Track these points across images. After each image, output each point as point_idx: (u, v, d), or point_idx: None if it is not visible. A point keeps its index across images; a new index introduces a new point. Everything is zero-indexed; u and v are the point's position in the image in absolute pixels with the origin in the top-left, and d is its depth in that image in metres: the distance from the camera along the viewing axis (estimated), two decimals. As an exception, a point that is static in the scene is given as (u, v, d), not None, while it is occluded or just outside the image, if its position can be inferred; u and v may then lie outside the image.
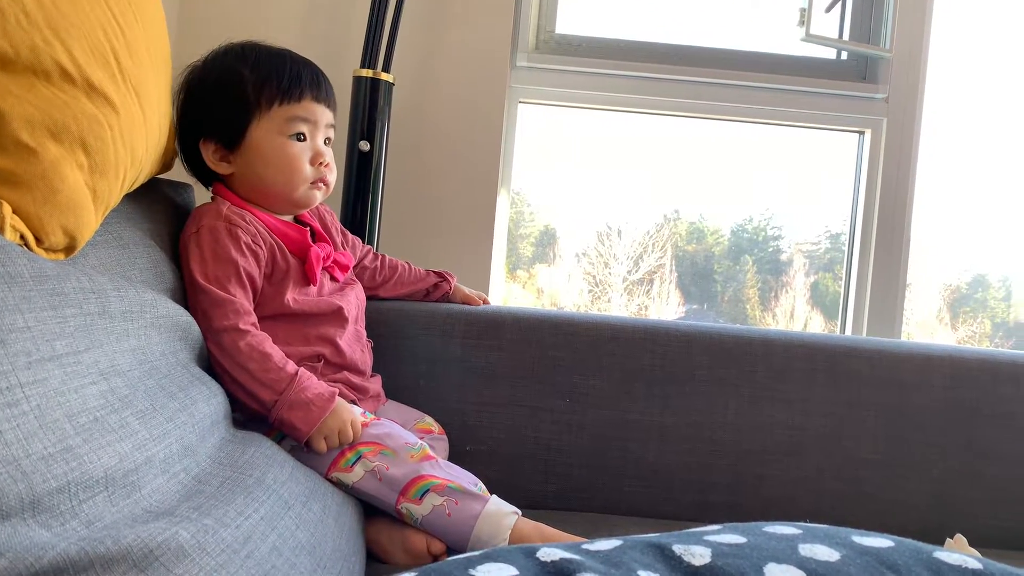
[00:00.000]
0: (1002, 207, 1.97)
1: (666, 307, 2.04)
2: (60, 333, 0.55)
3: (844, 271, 1.68)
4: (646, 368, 1.14)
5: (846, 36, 1.61)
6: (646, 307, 2.05)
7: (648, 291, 2.03)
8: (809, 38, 1.53)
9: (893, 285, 1.60)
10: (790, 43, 1.62)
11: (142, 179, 0.80)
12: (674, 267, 2.01)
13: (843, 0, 1.60)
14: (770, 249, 2.01)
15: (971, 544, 0.95)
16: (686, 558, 0.51)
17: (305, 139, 0.95)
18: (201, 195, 1.08)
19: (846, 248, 1.68)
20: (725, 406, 1.14)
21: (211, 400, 0.75)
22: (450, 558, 0.50)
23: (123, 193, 0.74)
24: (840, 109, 1.60)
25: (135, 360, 0.65)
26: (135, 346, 0.66)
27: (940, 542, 1.02)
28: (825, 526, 0.59)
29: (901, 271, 1.60)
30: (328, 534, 0.72)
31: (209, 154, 0.94)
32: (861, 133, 1.64)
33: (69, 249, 0.65)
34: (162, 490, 0.58)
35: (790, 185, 1.88)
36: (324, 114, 0.97)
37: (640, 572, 0.49)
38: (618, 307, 2.05)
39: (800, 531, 0.56)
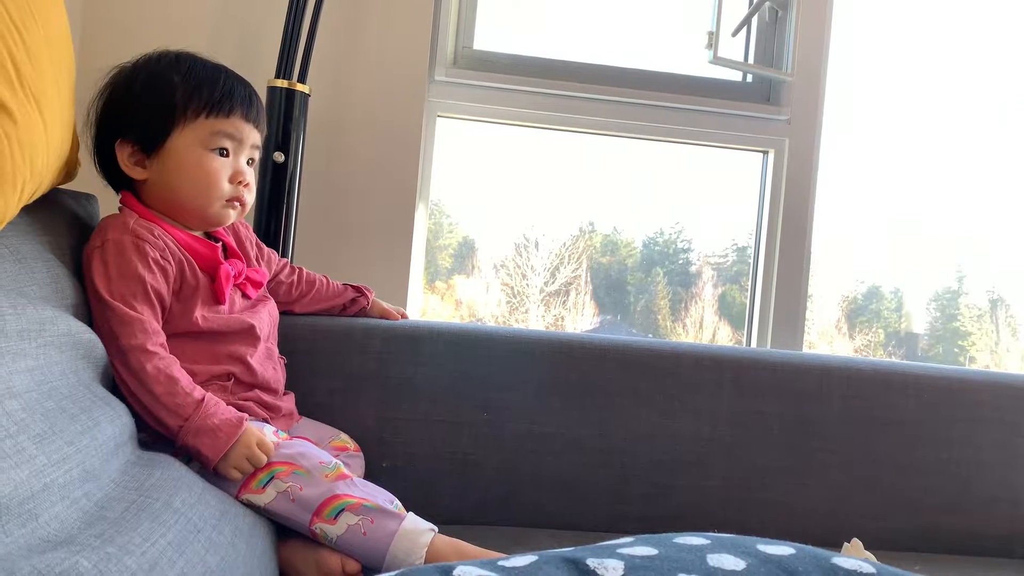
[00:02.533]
0: (895, 222, 2.10)
1: (581, 318, 2.08)
2: (-51, 355, 0.52)
3: (750, 283, 1.75)
4: (561, 381, 1.16)
5: (751, 59, 1.69)
6: (562, 318, 2.08)
7: (564, 302, 2.06)
8: (717, 61, 1.60)
9: (795, 296, 1.68)
10: (699, 65, 1.68)
11: (42, 190, 0.77)
12: (589, 279, 2.05)
13: (748, 25, 1.68)
14: (680, 261, 2.08)
15: (866, 547, 1.00)
16: (600, 571, 0.52)
17: (228, 155, 0.93)
18: (107, 207, 1.04)
19: (751, 261, 1.75)
20: (638, 417, 1.17)
21: (115, 421, 0.72)
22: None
23: (20, 206, 0.71)
24: (746, 129, 1.67)
25: (32, 381, 0.62)
26: (32, 366, 0.63)
27: (839, 546, 1.08)
28: (732, 536, 0.61)
29: (803, 283, 1.68)
30: (239, 558, 0.71)
31: (125, 156, 0.91)
32: (765, 153, 1.72)
33: (-40, 266, 0.62)
34: (61, 517, 0.56)
35: (699, 200, 1.96)
36: (251, 134, 0.95)
37: (555, 587, 0.50)
38: (535, 318, 2.07)
39: (708, 541, 0.59)
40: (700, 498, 1.18)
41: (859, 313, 2.33)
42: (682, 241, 2.08)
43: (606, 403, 1.17)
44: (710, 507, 1.18)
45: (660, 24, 1.83)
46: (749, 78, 1.71)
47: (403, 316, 1.23)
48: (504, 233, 2.02)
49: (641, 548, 0.58)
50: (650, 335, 2.05)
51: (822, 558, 0.52)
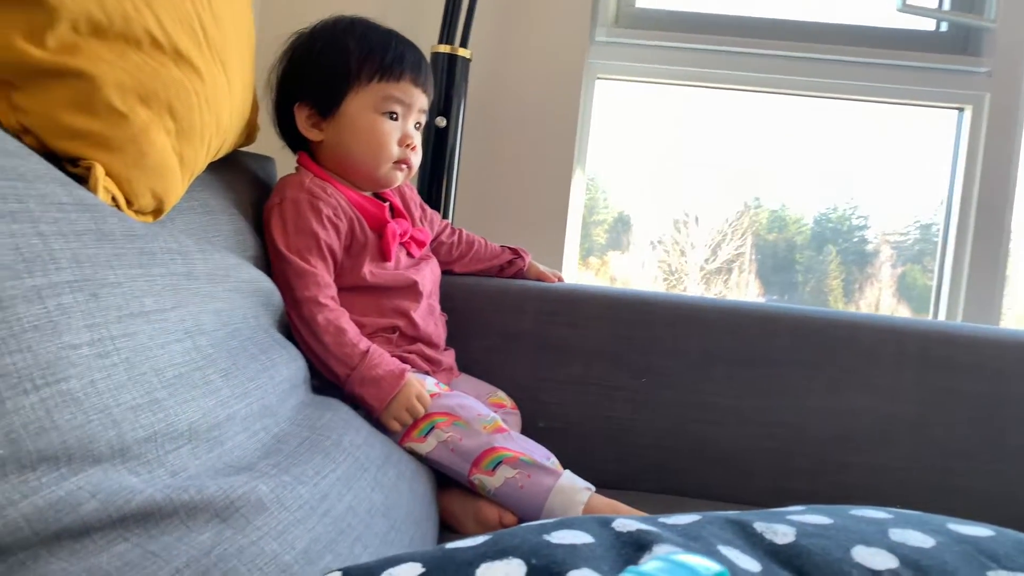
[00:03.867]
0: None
1: (744, 297, 1.99)
2: (148, 291, 0.57)
3: (937, 259, 1.59)
4: (726, 350, 1.11)
5: (946, 6, 1.52)
6: (723, 296, 1.99)
7: (726, 280, 1.98)
8: (906, 8, 1.45)
9: (991, 274, 1.51)
10: (885, 14, 1.54)
11: (226, 149, 0.82)
12: (754, 256, 1.95)
13: (944, -32, 1.51)
14: (855, 239, 1.93)
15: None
16: (768, 536, 0.49)
17: (397, 119, 0.96)
18: (283, 169, 1.10)
19: (940, 234, 1.59)
20: (808, 390, 1.10)
21: (291, 364, 0.76)
22: (525, 524, 0.49)
23: (208, 160, 0.76)
24: (939, 84, 1.51)
25: (219, 321, 0.66)
26: (219, 308, 0.67)
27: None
28: (918, 512, 0.56)
29: (1001, 259, 1.51)
30: (402, 499, 0.73)
31: (303, 118, 0.96)
32: (960, 110, 1.55)
33: (157, 212, 0.67)
34: (243, 446, 0.60)
35: (878, 168, 1.79)
36: (419, 98, 0.98)
37: (720, 547, 0.47)
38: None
39: (891, 515, 0.54)
40: (876, 479, 1.09)
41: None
42: (857, 218, 1.92)
43: (773, 373, 1.10)
44: (887, 489, 1.09)
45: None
46: (943, 27, 1.54)
47: (559, 279, 1.23)
48: (662, 207, 1.96)
49: (814, 516, 0.54)
50: (822, 308, 1.92)
51: (1029, 544, 0.46)
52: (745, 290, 1.98)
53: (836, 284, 1.92)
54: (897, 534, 0.50)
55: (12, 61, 0.56)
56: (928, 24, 1.55)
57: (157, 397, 0.52)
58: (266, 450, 0.62)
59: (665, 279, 2.01)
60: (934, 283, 1.61)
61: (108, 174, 0.61)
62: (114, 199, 0.61)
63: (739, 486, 1.10)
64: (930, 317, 1.60)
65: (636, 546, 0.46)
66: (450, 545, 0.43)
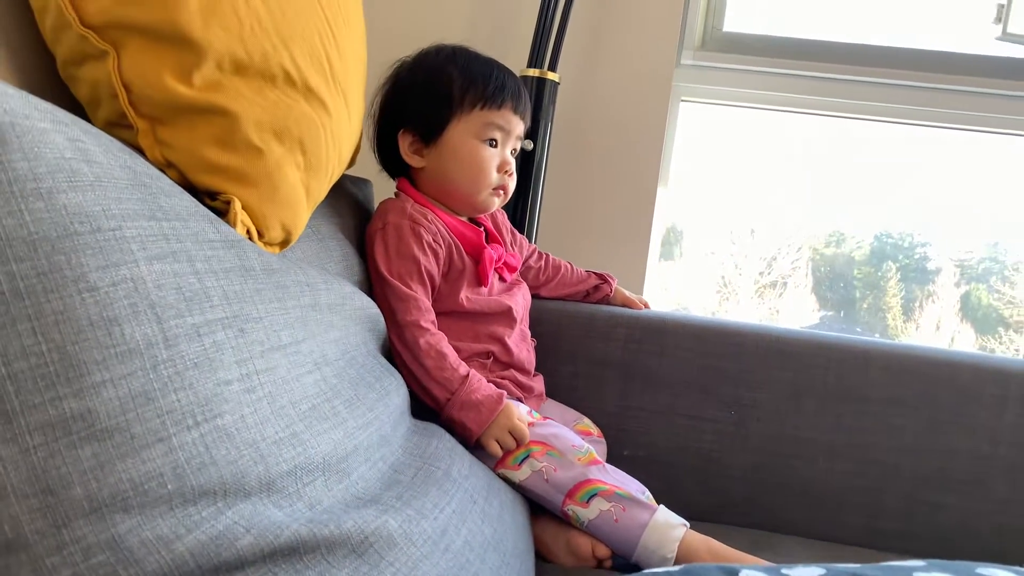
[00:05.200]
0: None
1: (799, 312, 1.94)
2: (284, 324, 0.59)
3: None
4: (818, 384, 1.09)
5: (1047, 33, 1.48)
6: (777, 311, 1.96)
7: (781, 294, 1.94)
8: (1006, 37, 1.41)
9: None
10: (982, 41, 1.50)
11: (339, 175, 0.84)
12: (810, 271, 1.91)
13: (1046, -7, 1.47)
14: (916, 256, 1.87)
15: None
16: (898, 594, 0.48)
17: (496, 146, 0.98)
18: (380, 190, 1.12)
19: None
20: (902, 428, 1.07)
21: (400, 390, 0.77)
22: (650, 571, 0.49)
23: (328, 189, 0.78)
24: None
25: (339, 351, 0.68)
26: (338, 337, 0.69)
27: None
28: (1043, 571, 0.54)
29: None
30: (508, 531, 0.74)
31: (406, 145, 0.98)
32: (1058, 139, 1.50)
33: (284, 243, 0.69)
34: (366, 477, 0.61)
35: (957, 196, 1.74)
36: (518, 125, 0.99)
37: (852, 604, 0.47)
38: (747, 310, 1.96)
39: (1015, 575, 0.52)
40: (971, 521, 1.06)
41: None
42: (919, 235, 1.86)
43: (866, 410, 1.08)
44: (983, 532, 1.06)
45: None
46: (1044, 53, 1.49)
47: (645, 305, 1.22)
48: (718, 222, 1.92)
49: (940, 575, 0.53)
50: (877, 335, 1.87)
51: None
52: (800, 305, 1.93)
53: (895, 302, 1.87)
54: (1030, 599, 0.49)
55: (161, 99, 0.59)
56: (1027, 51, 1.50)
57: (296, 431, 0.54)
58: (386, 481, 0.63)
59: (718, 291, 1.98)
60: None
61: (244, 207, 0.63)
62: (248, 232, 0.63)
63: (828, 523, 1.08)
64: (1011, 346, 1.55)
65: (770, 601, 0.46)
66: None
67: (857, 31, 1.57)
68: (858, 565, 0.54)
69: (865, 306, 1.92)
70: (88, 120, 0.62)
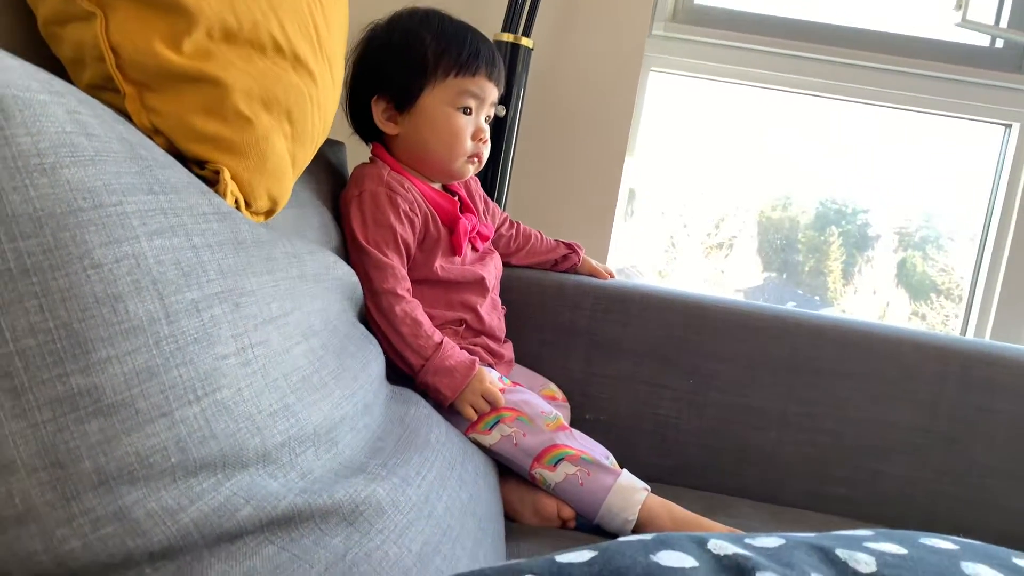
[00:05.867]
0: None
1: (744, 274, 1.99)
2: (274, 296, 0.59)
3: (972, 273, 1.62)
4: (772, 356, 1.14)
5: (1003, 23, 1.53)
6: (723, 271, 2.00)
7: (727, 256, 1.99)
8: (965, 24, 1.46)
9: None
10: (941, 27, 1.54)
11: (321, 142, 0.84)
12: (756, 233, 1.96)
13: (1005, -18, 1.51)
14: (858, 222, 1.94)
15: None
16: (851, 564, 0.52)
17: (471, 113, 0.98)
18: (352, 153, 1.12)
19: (979, 242, 1.61)
20: (849, 400, 1.14)
21: (378, 358, 0.79)
22: (623, 539, 0.53)
23: (311, 158, 0.78)
24: (988, 100, 1.52)
25: (322, 320, 0.69)
26: (321, 307, 0.70)
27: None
28: (982, 544, 0.59)
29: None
30: (482, 495, 0.77)
31: (379, 112, 0.98)
32: (1008, 126, 1.56)
33: (270, 212, 0.69)
34: (352, 446, 0.63)
35: (912, 176, 1.80)
36: (492, 92, 0.99)
37: (812, 575, 0.50)
38: (694, 270, 2.00)
39: (958, 547, 0.57)
40: (909, 489, 1.13)
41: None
42: (861, 202, 1.92)
43: (817, 382, 1.14)
44: (919, 499, 1.13)
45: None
46: (998, 43, 1.54)
47: (611, 275, 1.25)
48: (669, 183, 1.94)
49: (888, 545, 0.57)
50: (817, 297, 1.94)
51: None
52: (745, 266, 1.98)
53: (836, 266, 1.94)
54: (969, 567, 0.53)
55: (151, 65, 0.58)
56: (984, 40, 1.55)
57: (288, 403, 0.55)
58: (370, 449, 0.65)
59: (666, 251, 2.01)
60: (967, 291, 1.63)
61: (232, 177, 0.63)
62: (236, 202, 0.63)
63: (778, 488, 1.14)
64: (961, 325, 1.63)
65: (738, 571, 0.50)
66: (561, 559, 0.46)
67: (822, 10, 1.60)
68: (813, 534, 0.58)
69: (807, 269, 1.98)
70: (68, 79, 0.61)
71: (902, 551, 0.57)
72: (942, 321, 1.87)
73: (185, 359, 0.47)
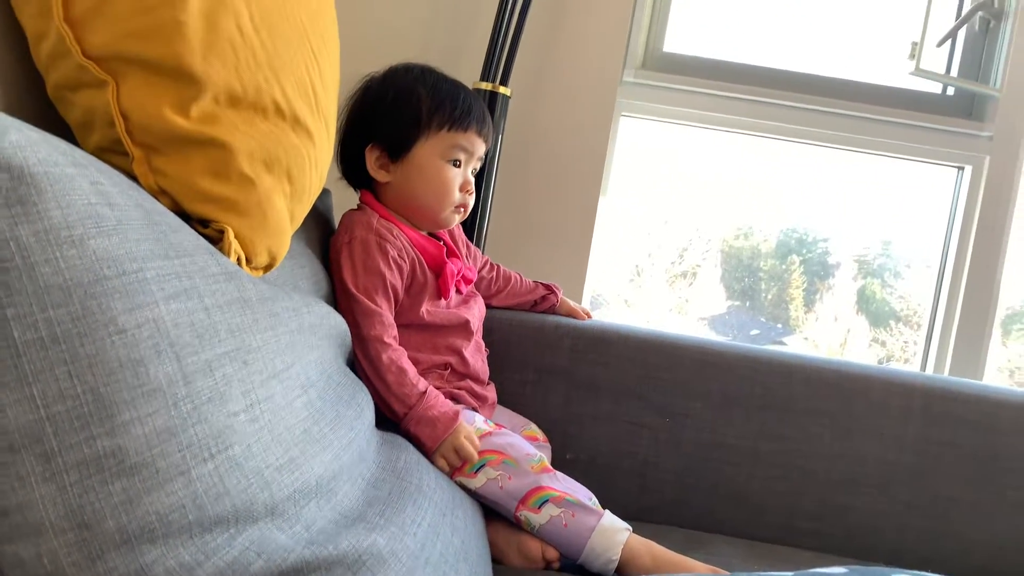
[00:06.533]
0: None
1: (708, 302, 2.04)
2: (277, 351, 0.62)
3: (930, 310, 1.69)
4: (745, 394, 1.18)
5: (954, 72, 1.61)
6: (687, 300, 2.04)
7: (691, 284, 2.03)
8: (918, 72, 1.54)
9: (981, 321, 1.60)
10: (897, 75, 1.62)
11: (316, 196, 0.87)
12: (719, 262, 2.01)
13: (955, 36, 1.60)
14: (818, 251, 2.00)
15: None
16: (831, 603, 0.55)
17: (460, 166, 1.02)
18: (338, 199, 1.15)
19: (936, 279, 1.68)
20: (819, 436, 1.18)
21: (370, 405, 0.81)
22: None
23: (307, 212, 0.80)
24: (942, 144, 1.60)
25: (318, 371, 0.71)
26: (317, 358, 0.72)
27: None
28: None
29: (990, 314, 1.60)
30: (472, 540, 0.79)
31: (372, 160, 1.01)
32: (960, 169, 1.64)
33: (268, 267, 0.71)
34: (350, 495, 0.65)
35: (873, 215, 1.88)
36: (481, 147, 1.03)
37: (794, 614, 0.54)
38: (659, 299, 2.04)
39: (927, 582, 0.60)
40: (877, 522, 1.17)
41: (1015, 320, 2.14)
42: (822, 231, 1.99)
43: (788, 419, 1.18)
44: (887, 532, 1.17)
45: (859, 32, 1.77)
46: (950, 91, 1.63)
47: (588, 316, 1.29)
48: (634, 212, 1.99)
49: (862, 582, 0.60)
50: (780, 325, 2.00)
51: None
52: (709, 295, 2.03)
53: (797, 293, 2.00)
54: (937, 603, 0.57)
55: (159, 130, 0.61)
56: (937, 88, 1.64)
57: (292, 456, 0.57)
58: (367, 497, 0.67)
59: (631, 280, 2.05)
60: (926, 327, 1.70)
61: (235, 235, 0.65)
62: (238, 259, 0.66)
63: (751, 523, 1.18)
64: (921, 361, 1.70)
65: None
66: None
67: (785, 59, 1.68)
68: (791, 574, 0.61)
69: (770, 297, 2.03)
70: (75, 141, 0.63)
71: (876, 588, 0.60)
72: (901, 347, 1.94)
73: (201, 418, 0.49)
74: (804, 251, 1.99)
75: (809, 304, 1.99)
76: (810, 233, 1.99)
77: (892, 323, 1.95)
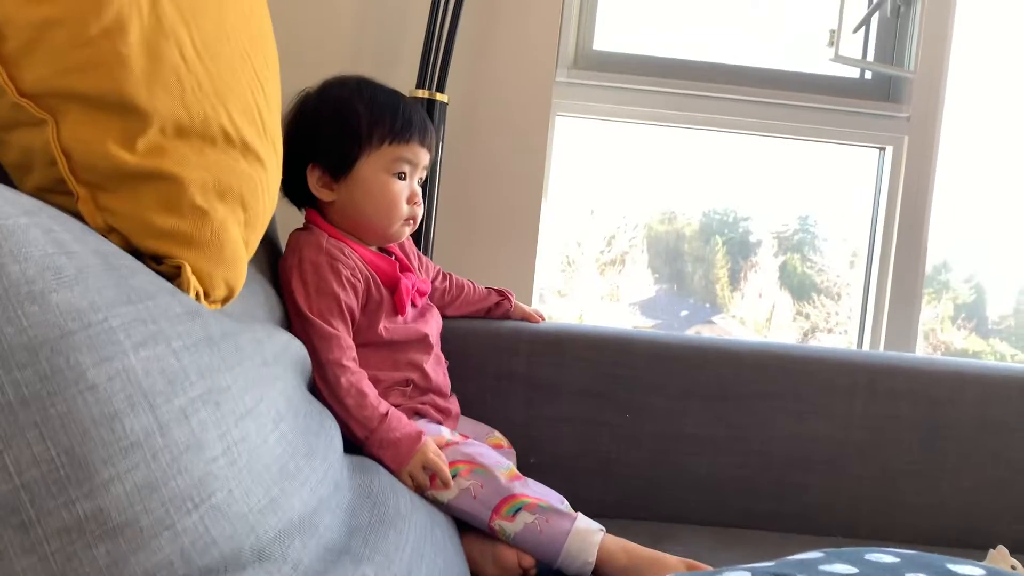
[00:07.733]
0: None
1: (638, 288, 2.08)
2: (245, 387, 0.60)
3: (863, 288, 1.76)
4: (700, 385, 1.21)
5: (871, 56, 1.68)
6: (618, 287, 2.08)
7: (620, 271, 2.07)
8: (838, 59, 1.60)
9: (910, 296, 1.68)
10: (817, 63, 1.68)
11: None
12: (645, 248, 2.05)
13: (868, 22, 1.67)
14: (740, 230, 2.06)
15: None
16: (814, 591, 0.57)
17: (405, 178, 1.00)
18: (280, 217, 1.12)
19: (865, 264, 1.75)
20: (772, 420, 1.21)
21: (337, 432, 0.80)
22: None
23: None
24: (863, 126, 1.67)
25: (286, 403, 0.69)
26: (282, 388, 0.70)
27: (971, 546, 1.11)
28: (920, 553, 0.66)
29: (918, 282, 1.68)
30: (452, 557, 0.78)
31: (314, 180, 0.99)
32: (882, 149, 1.71)
33: (226, 299, 0.69)
34: (331, 527, 0.63)
35: (806, 198, 1.94)
36: (424, 157, 1.02)
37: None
38: (591, 288, 2.07)
39: (899, 559, 0.63)
40: (831, 498, 1.22)
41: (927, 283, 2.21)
42: (742, 210, 2.05)
43: (741, 406, 1.21)
44: (841, 506, 1.22)
45: (779, 22, 1.82)
46: (868, 75, 1.70)
47: (542, 318, 1.29)
48: (561, 203, 2.02)
49: (840, 566, 0.63)
50: (708, 305, 2.05)
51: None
52: (638, 281, 2.07)
53: (722, 273, 2.06)
54: (911, 581, 0.59)
55: (105, 167, 0.58)
56: (855, 72, 1.71)
57: (273, 495, 0.56)
58: (348, 528, 0.66)
59: (563, 271, 2.08)
60: (860, 305, 1.77)
61: (192, 270, 0.63)
62: (197, 294, 0.63)
63: (714, 510, 1.21)
64: (857, 338, 1.77)
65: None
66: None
67: (708, 51, 1.72)
68: (773, 563, 0.63)
69: (696, 278, 2.08)
70: (10, 183, 0.60)
71: (852, 570, 0.63)
72: (824, 318, 2.01)
73: (181, 468, 0.47)
74: (726, 231, 2.04)
75: (735, 283, 2.04)
76: (731, 213, 2.04)
77: (814, 295, 2.03)
